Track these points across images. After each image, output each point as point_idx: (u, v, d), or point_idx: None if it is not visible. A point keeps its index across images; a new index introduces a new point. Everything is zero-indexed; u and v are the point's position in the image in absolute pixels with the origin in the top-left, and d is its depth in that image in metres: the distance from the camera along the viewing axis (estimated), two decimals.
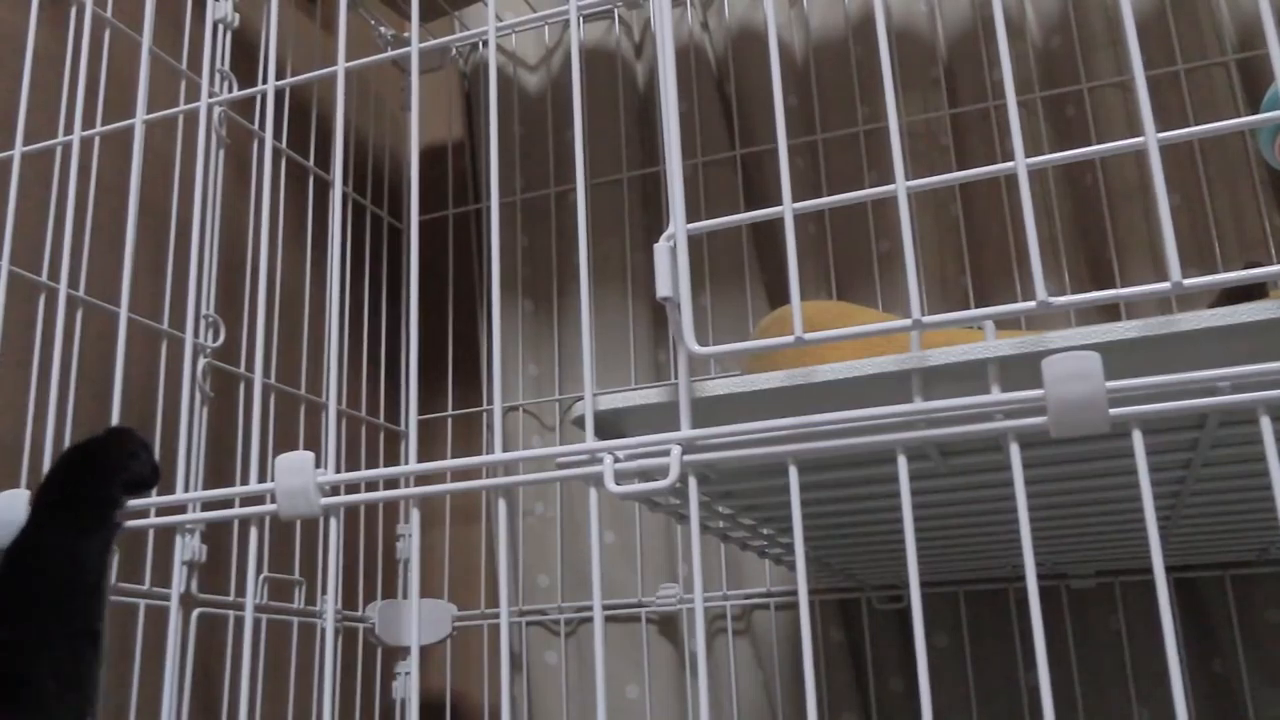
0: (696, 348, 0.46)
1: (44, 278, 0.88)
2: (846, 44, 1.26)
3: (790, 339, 0.44)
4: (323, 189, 1.26)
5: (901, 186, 0.44)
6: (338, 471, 0.53)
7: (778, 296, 1.22)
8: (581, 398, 0.50)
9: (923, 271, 1.16)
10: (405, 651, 1.23)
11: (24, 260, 0.87)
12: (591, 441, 0.49)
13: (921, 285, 1.15)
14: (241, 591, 1.02)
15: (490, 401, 1.32)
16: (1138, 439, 0.41)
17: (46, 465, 0.64)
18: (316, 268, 1.23)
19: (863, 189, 0.47)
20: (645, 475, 0.48)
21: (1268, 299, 0.54)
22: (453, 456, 1.33)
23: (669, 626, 1.19)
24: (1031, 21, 1.20)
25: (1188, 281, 0.40)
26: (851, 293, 1.20)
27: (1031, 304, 0.42)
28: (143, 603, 0.92)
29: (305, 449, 1.02)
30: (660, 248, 0.46)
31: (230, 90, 1.10)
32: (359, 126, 1.36)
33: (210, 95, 0.65)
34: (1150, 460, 0.41)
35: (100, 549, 0.58)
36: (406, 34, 1.40)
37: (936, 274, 1.16)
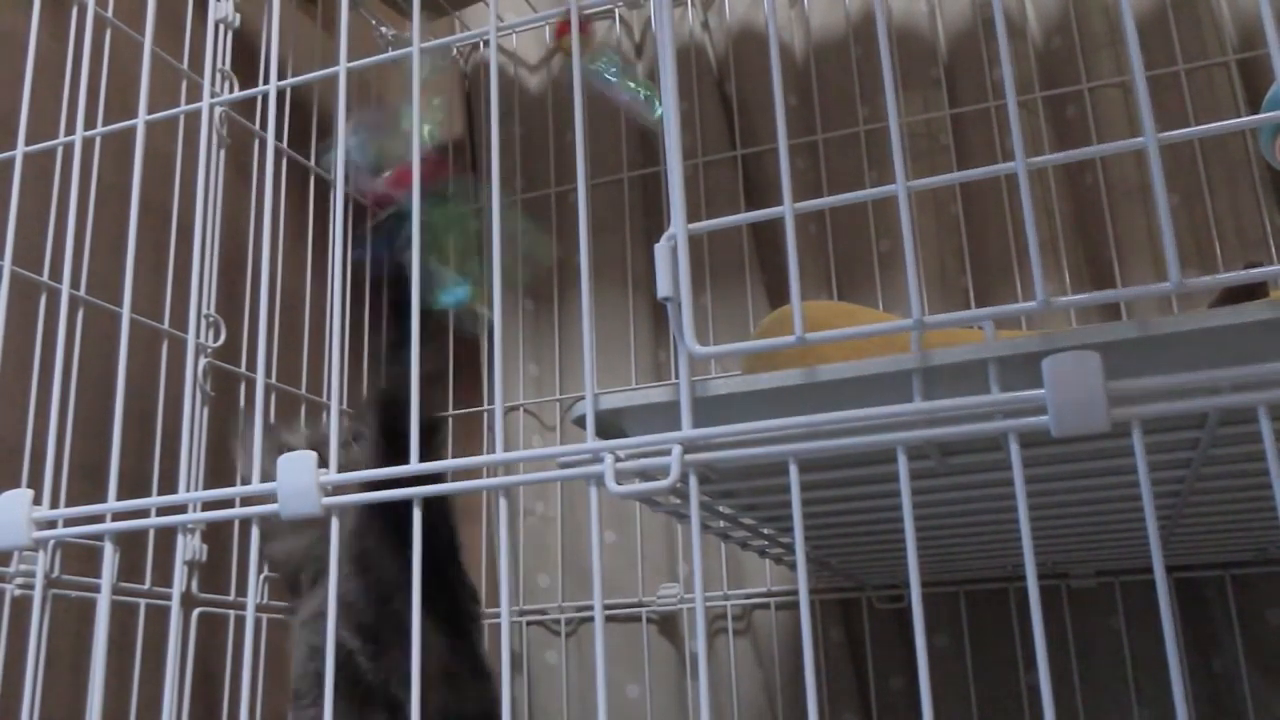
0: (697, 348, 0.46)
1: (45, 278, 0.88)
2: (846, 44, 1.26)
3: (791, 339, 0.44)
4: (323, 189, 1.26)
5: (902, 186, 0.44)
6: (339, 471, 0.53)
7: (778, 296, 1.22)
8: (582, 397, 0.50)
9: (923, 271, 1.16)
10: None
11: (25, 260, 0.87)
12: (592, 441, 0.49)
13: (922, 285, 1.15)
14: (242, 591, 1.02)
15: (491, 401, 1.32)
16: (1138, 439, 0.41)
17: (47, 465, 0.64)
18: (317, 267, 1.23)
19: (863, 189, 0.47)
20: (646, 475, 0.48)
21: (1268, 299, 0.54)
22: (453, 456, 1.33)
23: (669, 626, 1.19)
24: (1032, 21, 1.20)
25: (1188, 281, 0.40)
26: (852, 293, 1.20)
27: (1032, 304, 0.42)
28: (143, 602, 0.92)
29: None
30: (661, 248, 0.46)
31: (231, 90, 1.10)
32: None
33: (211, 95, 0.65)
34: (1150, 460, 0.41)
35: None
36: (407, 34, 1.40)
37: (937, 274, 1.16)
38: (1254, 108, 1.07)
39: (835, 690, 1.11)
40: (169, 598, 0.92)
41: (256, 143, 1.14)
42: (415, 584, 0.50)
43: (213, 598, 0.98)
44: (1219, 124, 0.43)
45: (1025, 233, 0.41)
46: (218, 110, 1.07)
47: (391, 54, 0.62)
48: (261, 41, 1.18)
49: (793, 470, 0.46)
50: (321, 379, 1.18)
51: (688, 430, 0.47)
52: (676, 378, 0.48)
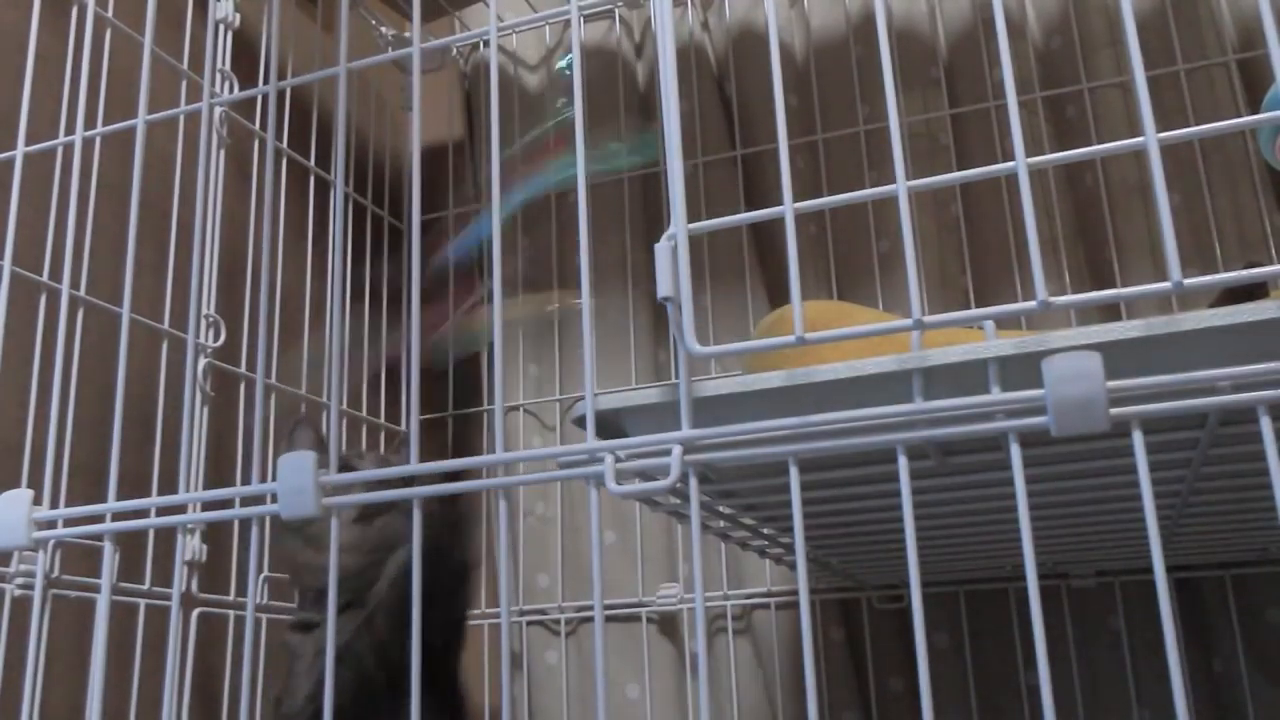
0: (697, 348, 0.46)
1: (45, 278, 0.88)
2: (846, 44, 1.26)
3: (791, 339, 0.44)
4: (323, 189, 1.26)
5: (902, 186, 0.44)
6: (339, 471, 0.53)
7: (778, 296, 1.22)
8: (582, 397, 0.50)
9: (923, 271, 1.16)
10: None
11: (25, 260, 0.87)
12: (592, 441, 0.49)
13: (922, 285, 1.15)
14: (242, 591, 1.02)
15: (491, 401, 1.32)
16: (1138, 439, 0.41)
17: (47, 465, 0.64)
18: (317, 268, 1.23)
19: (863, 189, 0.47)
20: (646, 475, 0.48)
21: (1268, 299, 0.54)
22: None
23: (669, 626, 1.19)
24: (1031, 21, 1.20)
25: (1188, 281, 0.40)
26: (851, 293, 1.20)
27: (1032, 304, 0.42)
28: (143, 602, 0.92)
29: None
30: (661, 248, 0.46)
31: (231, 90, 1.10)
32: (360, 126, 1.36)
33: (211, 95, 0.65)
34: (1150, 460, 0.41)
35: None
36: (407, 34, 1.40)
37: (937, 274, 1.16)
38: (1254, 108, 1.07)
39: (835, 690, 1.11)
40: (169, 598, 0.92)
41: (256, 143, 1.14)
42: (415, 583, 0.50)
43: (213, 598, 0.98)
44: (1219, 124, 0.43)
45: (1025, 233, 0.41)
46: (218, 110, 1.07)
47: (391, 54, 0.62)
48: (261, 41, 1.18)
49: (793, 470, 0.46)
50: (321, 379, 1.18)
51: (687, 430, 0.47)
52: (676, 378, 0.48)
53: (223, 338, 1.02)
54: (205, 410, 1.00)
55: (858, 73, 1.24)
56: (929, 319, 0.43)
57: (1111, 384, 0.40)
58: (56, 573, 0.85)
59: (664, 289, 0.46)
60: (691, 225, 0.46)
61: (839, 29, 1.27)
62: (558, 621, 1.22)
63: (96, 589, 0.86)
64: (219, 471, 1.02)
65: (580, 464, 0.49)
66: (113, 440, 0.59)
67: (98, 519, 0.59)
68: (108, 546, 0.58)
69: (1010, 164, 0.43)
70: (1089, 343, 0.43)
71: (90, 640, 0.87)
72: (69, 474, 0.80)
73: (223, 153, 1.08)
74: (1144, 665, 1.03)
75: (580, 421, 0.50)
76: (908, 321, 0.43)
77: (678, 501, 0.63)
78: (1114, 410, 0.40)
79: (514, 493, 1.27)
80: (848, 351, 0.57)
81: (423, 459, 0.52)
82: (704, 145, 1.27)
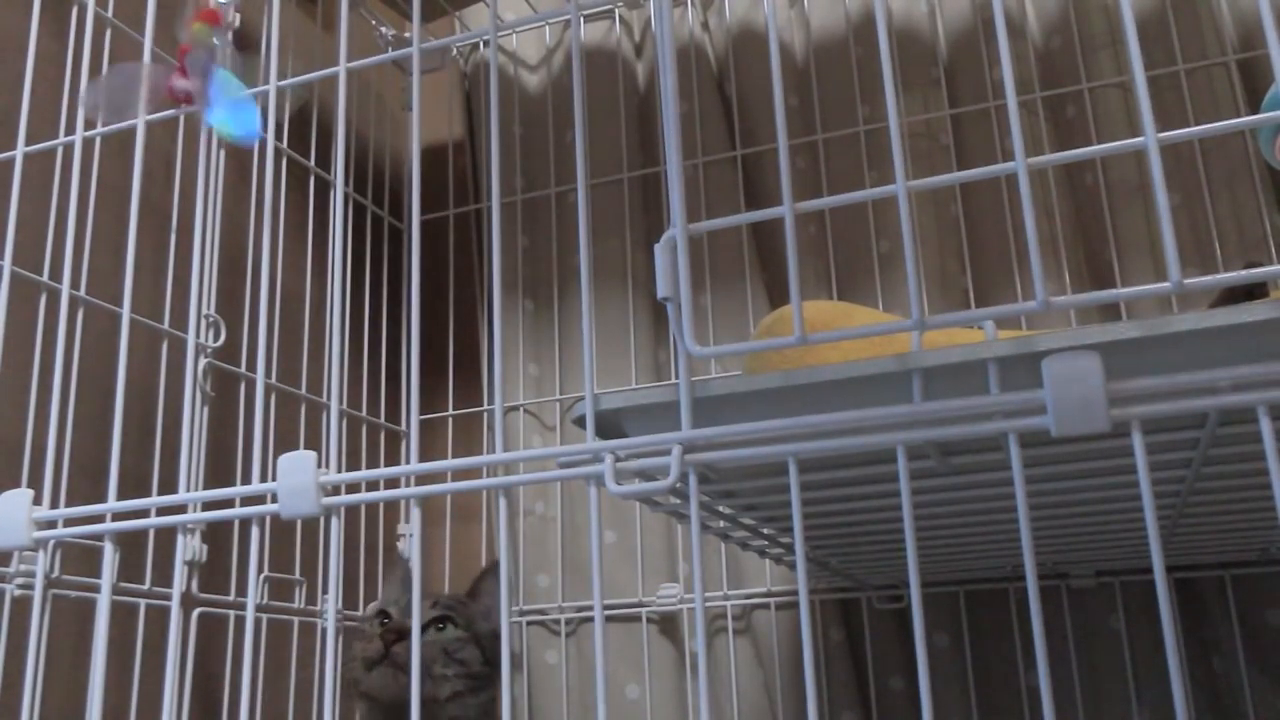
0: (697, 348, 0.46)
1: (45, 278, 0.88)
2: (846, 44, 1.26)
3: (791, 339, 0.44)
4: (323, 189, 1.26)
5: (902, 186, 0.44)
6: (339, 471, 0.53)
7: (778, 296, 1.22)
8: (582, 397, 0.50)
9: (923, 271, 1.16)
10: None
11: (25, 260, 0.87)
12: (592, 441, 0.49)
13: (922, 285, 1.15)
14: (242, 591, 1.02)
15: (491, 401, 1.32)
16: (1138, 439, 0.41)
17: (47, 465, 0.64)
18: (317, 268, 1.24)
19: (863, 189, 0.47)
20: (646, 475, 0.48)
21: (1268, 299, 0.54)
22: (453, 456, 1.33)
23: (669, 626, 1.19)
24: (1031, 21, 1.20)
25: (1188, 281, 0.40)
26: (851, 293, 1.20)
27: (1032, 304, 0.42)
28: (143, 602, 0.92)
29: (306, 449, 1.02)
30: (661, 248, 0.46)
31: None
32: (359, 127, 1.36)
33: None
34: (1150, 460, 0.41)
35: None
36: (407, 34, 1.40)
37: (937, 274, 1.16)
38: (1254, 108, 1.07)
39: (835, 690, 1.11)
40: (169, 598, 0.92)
41: (257, 143, 1.14)
42: (415, 575, 0.50)
43: (213, 598, 0.98)
44: (1219, 124, 0.43)
45: (1025, 233, 0.41)
46: None
47: (391, 54, 0.62)
48: (261, 41, 1.18)
49: (792, 470, 0.46)
50: (322, 379, 1.18)
51: (687, 430, 0.47)
52: (676, 378, 0.48)
53: (223, 338, 1.02)
54: (205, 410, 1.00)
55: (858, 73, 1.24)
56: (929, 319, 0.43)
57: (1111, 384, 0.40)
58: (56, 573, 0.85)
59: (664, 289, 0.46)
60: (691, 225, 0.46)
61: (839, 29, 1.27)
62: (558, 621, 1.22)
63: (96, 589, 0.86)
64: (219, 471, 1.02)
65: (580, 464, 0.49)
66: (113, 440, 0.59)
67: (98, 519, 0.59)
68: (108, 546, 0.58)
69: (1010, 164, 0.43)
70: (1089, 343, 0.43)
71: (90, 640, 0.87)
72: (69, 474, 0.80)
73: (223, 153, 1.08)
74: (1144, 665, 1.03)
75: (580, 421, 0.50)
76: (908, 321, 0.43)
77: (678, 501, 0.63)
78: (1114, 410, 0.40)
79: (514, 493, 1.27)
80: (848, 351, 0.57)
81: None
82: (704, 145, 1.27)
